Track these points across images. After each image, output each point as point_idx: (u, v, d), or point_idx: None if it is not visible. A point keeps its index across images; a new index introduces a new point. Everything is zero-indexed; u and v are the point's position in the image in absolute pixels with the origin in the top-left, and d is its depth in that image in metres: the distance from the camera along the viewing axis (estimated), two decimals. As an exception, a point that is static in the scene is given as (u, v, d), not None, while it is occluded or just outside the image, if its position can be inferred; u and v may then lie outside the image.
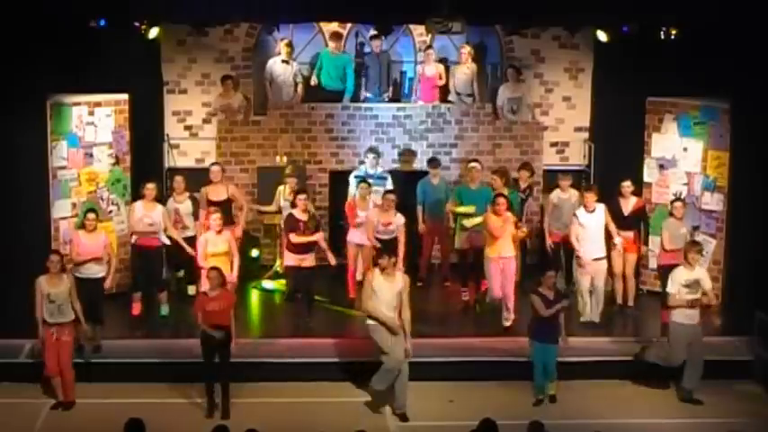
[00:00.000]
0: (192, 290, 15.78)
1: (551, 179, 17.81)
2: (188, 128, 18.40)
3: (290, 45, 18.00)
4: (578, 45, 18.57)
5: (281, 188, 16.45)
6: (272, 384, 13.88)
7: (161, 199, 15.82)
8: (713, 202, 16.35)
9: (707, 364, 14.04)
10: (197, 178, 16.45)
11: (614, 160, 17.54)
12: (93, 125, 16.07)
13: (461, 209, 15.86)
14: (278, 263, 16.79)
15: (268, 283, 16.71)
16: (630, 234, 15.74)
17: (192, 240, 15.38)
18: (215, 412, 12.97)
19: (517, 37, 18.31)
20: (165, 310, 15.49)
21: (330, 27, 18.35)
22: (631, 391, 14.02)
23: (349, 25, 18.42)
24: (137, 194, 15.69)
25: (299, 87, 18.14)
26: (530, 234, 16.43)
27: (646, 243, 15.95)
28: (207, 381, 13.08)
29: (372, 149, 17.01)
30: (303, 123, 17.93)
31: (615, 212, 15.66)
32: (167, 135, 18.13)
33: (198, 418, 12.84)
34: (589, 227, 15.21)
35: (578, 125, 18.88)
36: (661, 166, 16.88)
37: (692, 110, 16.55)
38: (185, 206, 15.85)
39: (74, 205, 15.74)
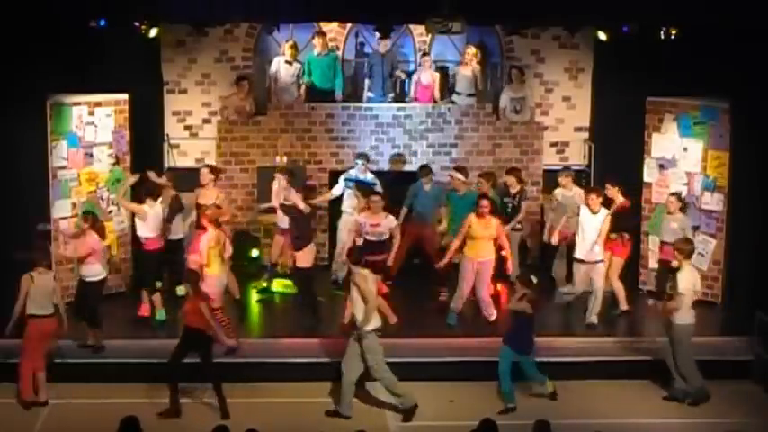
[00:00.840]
0: (180, 290, 15.74)
1: (551, 179, 17.82)
2: (188, 128, 18.41)
3: (294, 47, 18.01)
4: (578, 45, 18.58)
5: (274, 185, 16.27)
6: (272, 384, 13.88)
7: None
8: (713, 202, 16.35)
9: (707, 363, 14.06)
10: (197, 178, 16.41)
11: (614, 160, 17.56)
12: (93, 125, 16.08)
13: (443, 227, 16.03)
14: (280, 263, 16.72)
15: (269, 284, 16.68)
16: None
17: (178, 243, 15.45)
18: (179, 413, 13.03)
19: (517, 37, 18.31)
20: (161, 314, 15.38)
21: (331, 26, 18.36)
22: (631, 391, 14.00)
23: (349, 24, 18.42)
24: (138, 194, 15.51)
25: (302, 88, 18.16)
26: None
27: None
28: (173, 378, 13.13)
29: (362, 155, 16.98)
30: (303, 123, 17.93)
31: (622, 215, 15.66)
32: (167, 135, 18.15)
33: (197, 418, 12.82)
34: (588, 227, 15.20)
35: (578, 125, 18.90)
36: (661, 166, 16.88)
37: (692, 110, 16.55)
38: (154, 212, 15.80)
39: (74, 205, 15.74)
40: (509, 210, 16.35)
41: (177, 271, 15.65)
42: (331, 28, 18.41)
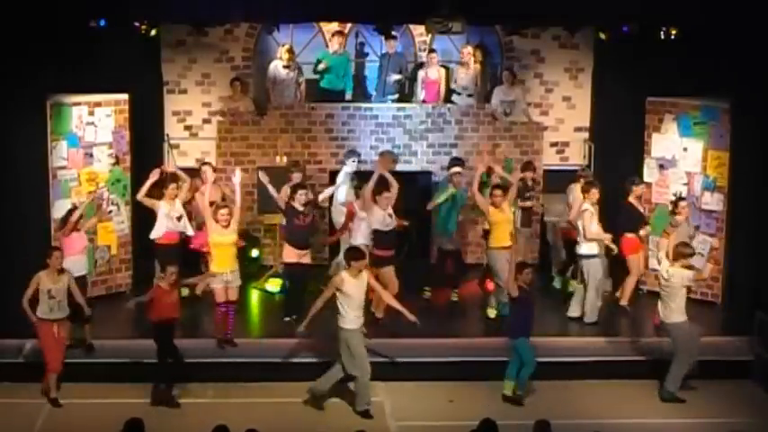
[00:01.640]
0: (183, 291, 15.69)
1: (551, 179, 17.83)
2: (188, 128, 18.41)
3: (290, 51, 18.00)
4: (578, 45, 18.59)
5: (285, 187, 16.22)
6: (272, 384, 13.89)
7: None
8: (713, 202, 16.35)
9: (707, 363, 14.08)
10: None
11: (614, 160, 17.56)
12: (93, 125, 16.07)
13: (441, 197, 15.92)
14: (278, 263, 16.74)
15: (269, 285, 16.68)
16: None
17: (184, 242, 15.47)
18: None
19: (517, 37, 18.32)
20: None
21: (331, 27, 18.38)
22: (631, 391, 13.99)
23: (349, 25, 18.44)
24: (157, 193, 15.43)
25: (301, 89, 18.16)
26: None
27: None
28: (172, 376, 13.31)
29: (353, 152, 16.99)
30: (303, 123, 17.93)
31: (632, 215, 15.64)
32: (167, 135, 18.11)
33: (197, 418, 12.83)
34: (595, 221, 15.22)
35: (578, 125, 18.89)
36: (661, 166, 16.88)
37: (692, 110, 16.55)
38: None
39: (74, 205, 15.72)
40: (533, 201, 16.68)
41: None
42: (330, 28, 18.42)
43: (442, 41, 18.63)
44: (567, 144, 18.89)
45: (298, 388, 13.66)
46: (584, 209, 15.25)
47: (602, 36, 17.11)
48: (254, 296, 16.58)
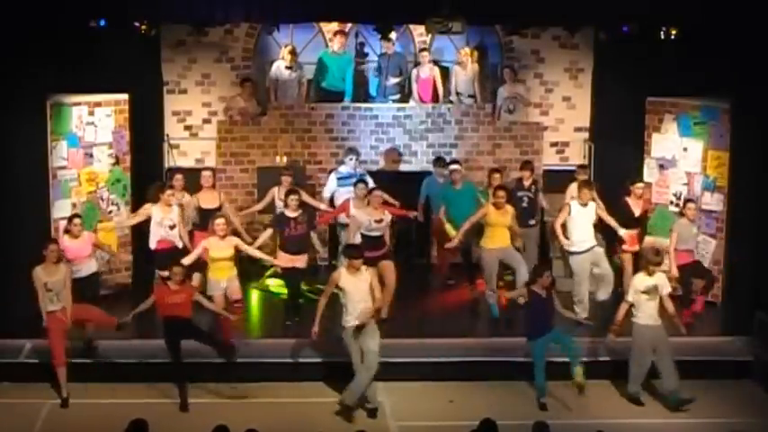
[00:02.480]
0: None
1: (551, 179, 17.82)
2: (188, 128, 18.41)
3: (293, 52, 18.00)
4: (578, 45, 18.59)
5: (275, 189, 16.31)
6: (272, 384, 13.89)
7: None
8: (713, 202, 16.35)
9: (707, 364, 14.12)
10: (197, 178, 16.41)
11: (614, 160, 17.56)
12: (93, 125, 16.08)
13: (448, 227, 15.82)
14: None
15: (270, 282, 16.67)
16: (634, 233, 15.73)
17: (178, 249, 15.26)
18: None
19: (517, 37, 18.31)
20: None
21: (331, 26, 18.38)
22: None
23: (349, 25, 18.44)
24: (152, 197, 15.26)
25: (303, 89, 18.17)
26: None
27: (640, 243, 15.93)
28: (180, 377, 13.29)
29: (352, 150, 17.02)
30: (303, 123, 17.93)
31: (625, 213, 15.66)
32: (167, 135, 18.15)
33: (199, 418, 12.84)
34: (580, 219, 15.22)
35: (578, 125, 18.90)
36: (661, 167, 16.88)
37: (692, 110, 16.55)
38: (185, 201, 15.77)
39: (74, 205, 15.74)
40: (525, 203, 16.45)
41: None
42: (331, 28, 18.42)
43: (442, 40, 18.63)
44: (567, 144, 18.89)
45: (297, 388, 13.70)
46: (566, 202, 15.41)
47: (603, 36, 17.09)
48: (255, 296, 16.57)
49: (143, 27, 15.90)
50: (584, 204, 15.29)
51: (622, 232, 15.39)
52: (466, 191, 15.98)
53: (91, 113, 16.04)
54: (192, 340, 13.28)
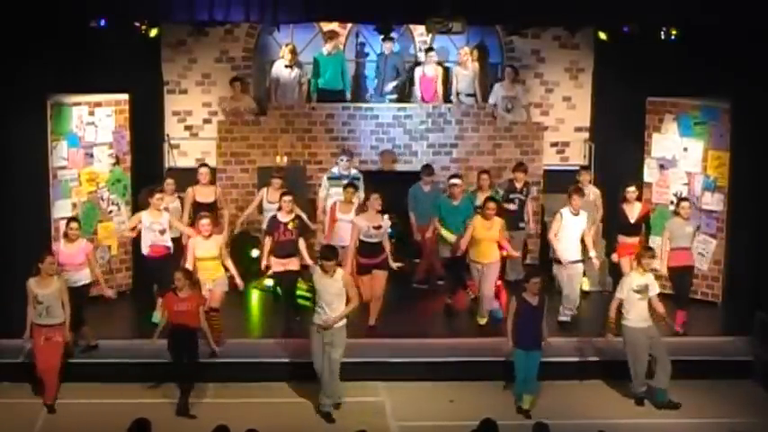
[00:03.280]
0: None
1: (551, 179, 17.82)
2: (188, 128, 18.44)
3: (293, 51, 18.00)
4: (579, 45, 18.61)
5: (263, 190, 16.30)
6: (273, 384, 13.88)
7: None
8: (713, 202, 16.35)
9: (708, 363, 14.14)
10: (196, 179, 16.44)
11: (614, 160, 17.57)
12: (93, 125, 16.07)
13: (444, 233, 15.70)
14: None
15: (269, 282, 16.65)
16: (636, 240, 15.56)
17: (176, 241, 15.22)
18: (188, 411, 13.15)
19: (517, 37, 18.35)
20: (156, 317, 15.22)
21: (331, 27, 18.38)
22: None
23: (349, 25, 18.44)
24: (142, 202, 15.21)
25: (304, 88, 18.17)
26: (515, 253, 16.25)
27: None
28: (179, 380, 13.27)
29: (345, 151, 17.01)
30: (303, 123, 17.93)
31: (620, 220, 15.64)
32: (168, 135, 18.17)
33: (199, 418, 12.84)
34: (571, 229, 15.20)
35: (578, 125, 18.91)
36: (661, 167, 16.88)
37: (692, 110, 16.55)
38: (174, 207, 15.73)
39: (74, 205, 15.74)
40: (515, 205, 16.46)
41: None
42: (331, 28, 18.43)
43: (442, 41, 18.63)
44: (567, 144, 18.90)
45: (298, 388, 13.69)
46: (560, 211, 15.38)
47: (603, 36, 17.09)
48: (254, 296, 16.56)
49: (143, 27, 15.91)
50: (576, 213, 15.23)
51: (593, 254, 15.35)
52: (464, 206, 15.87)
53: (91, 113, 16.04)
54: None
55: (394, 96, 18.36)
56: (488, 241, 15.04)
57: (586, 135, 18.86)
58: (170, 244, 14.95)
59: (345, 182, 16.11)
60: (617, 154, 17.59)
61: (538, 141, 18.24)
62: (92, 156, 16.08)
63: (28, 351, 13.88)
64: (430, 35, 18.34)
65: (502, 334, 13.63)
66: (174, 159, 18.06)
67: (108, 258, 16.19)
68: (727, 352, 14.67)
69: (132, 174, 16.52)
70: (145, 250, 14.89)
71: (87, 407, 13.28)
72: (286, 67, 18.00)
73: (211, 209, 15.58)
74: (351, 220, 15.20)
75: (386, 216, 15.07)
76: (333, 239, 15.50)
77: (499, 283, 15.74)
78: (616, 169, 17.03)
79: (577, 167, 17.62)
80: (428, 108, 18.11)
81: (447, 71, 18.59)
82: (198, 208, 15.44)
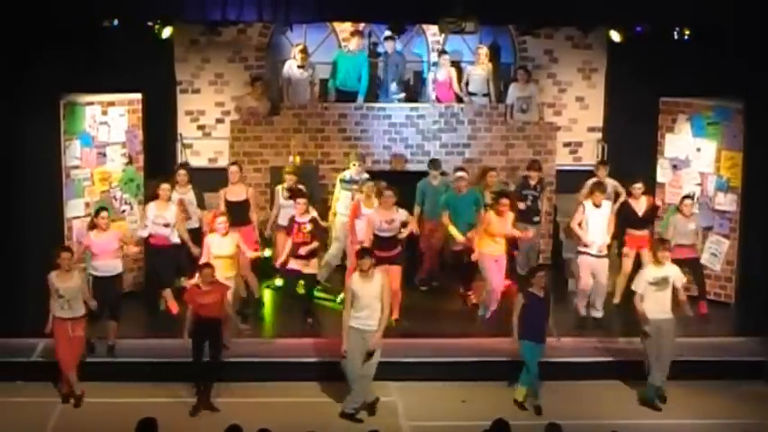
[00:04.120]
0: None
1: (564, 179, 17.80)
2: (201, 127, 18.45)
3: (304, 51, 18.00)
4: (591, 45, 18.58)
5: (278, 187, 16.35)
6: (277, 384, 13.89)
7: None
8: (726, 202, 16.32)
9: (721, 364, 14.11)
10: (210, 178, 16.46)
11: (627, 160, 17.51)
12: (106, 125, 16.10)
13: (453, 231, 15.76)
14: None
15: (279, 282, 16.65)
16: (645, 233, 15.75)
17: (196, 232, 15.35)
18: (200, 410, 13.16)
19: (530, 37, 18.37)
20: (162, 305, 15.33)
21: (345, 26, 18.39)
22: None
23: (362, 25, 18.44)
24: (150, 194, 15.65)
25: (315, 89, 18.18)
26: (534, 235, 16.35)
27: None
28: (197, 378, 13.29)
29: (358, 156, 17.00)
30: (316, 123, 17.92)
31: (628, 213, 15.71)
32: (180, 135, 18.18)
33: (210, 418, 12.86)
34: (595, 218, 15.21)
35: (591, 125, 18.89)
36: (674, 167, 16.86)
37: (705, 110, 16.53)
38: (189, 197, 15.79)
39: (87, 205, 15.75)
40: (530, 201, 16.48)
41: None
42: (344, 28, 18.43)
43: (455, 41, 18.62)
44: (580, 144, 18.88)
45: (303, 388, 13.74)
46: (580, 201, 15.53)
47: (616, 36, 17.07)
48: (266, 296, 16.55)
49: (156, 27, 15.93)
50: (598, 205, 15.27)
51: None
52: (469, 197, 15.93)
53: (104, 113, 16.06)
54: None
55: (402, 96, 18.35)
56: (500, 236, 15.13)
57: (599, 135, 18.84)
58: (176, 240, 15.10)
59: (355, 186, 16.20)
60: (630, 154, 17.55)
61: (551, 141, 18.22)
62: (105, 155, 16.10)
63: (42, 350, 13.94)
64: (443, 36, 18.34)
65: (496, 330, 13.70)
66: (186, 159, 18.07)
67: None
68: (740, 352, 14.65)
69: (145, 173, 16.54)
70: (145, 234, 15.17)
71: (101, 406, 13.28)
72: (298, 67, 17.99)
73: (243, 207, 15.60)
74: (365, 216, 15.25)
75: (401, 210, 15.13)
76: (359, 235, 15.47)
77: (508, 282, 15.75)
78: (629, 169, 16.99)
79: (591, 167, 17.56)
80: (441, 108, 18.09)
81: (460, 71, 18.56)
82: (230, 207, 15.44)
